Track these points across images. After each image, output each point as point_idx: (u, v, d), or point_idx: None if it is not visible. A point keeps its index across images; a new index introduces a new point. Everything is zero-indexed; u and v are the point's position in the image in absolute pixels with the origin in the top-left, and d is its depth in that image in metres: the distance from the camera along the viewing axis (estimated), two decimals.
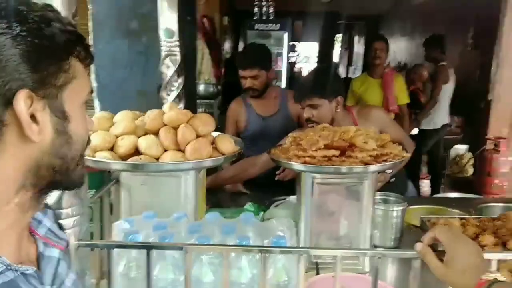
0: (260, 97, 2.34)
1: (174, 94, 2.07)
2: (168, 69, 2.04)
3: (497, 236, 1.42)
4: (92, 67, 2.21)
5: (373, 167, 1.31)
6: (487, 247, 1.38)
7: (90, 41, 2.19)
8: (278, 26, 5.28)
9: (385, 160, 1.35)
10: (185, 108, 2.78)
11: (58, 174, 0.58)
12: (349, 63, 10.91)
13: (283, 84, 5.77)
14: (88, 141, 0.63)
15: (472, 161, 5.67)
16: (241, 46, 5.70)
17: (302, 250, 0.96)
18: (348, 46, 11.19)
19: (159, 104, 2.14)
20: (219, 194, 2.28)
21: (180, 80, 2.07)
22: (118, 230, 1.05)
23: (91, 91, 0.54)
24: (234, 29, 5.87)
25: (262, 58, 2.36)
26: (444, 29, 6.57)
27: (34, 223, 0.64)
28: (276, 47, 5.34)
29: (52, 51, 0.53)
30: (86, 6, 2.15)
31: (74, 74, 0.56)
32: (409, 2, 7.69)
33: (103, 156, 1.21)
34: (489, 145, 5.19)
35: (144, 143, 1.25)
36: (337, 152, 1.33)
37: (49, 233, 0.66)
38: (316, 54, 10.10)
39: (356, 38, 10.76)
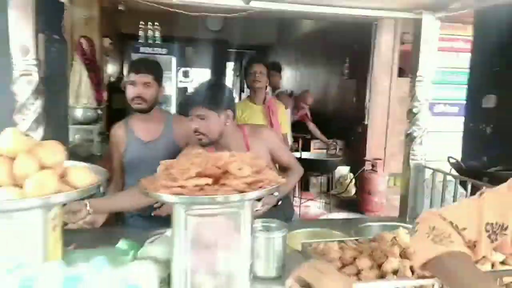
0: (145, 119, 2.18)
1: (30, 118, 1.81)
2: (23, 90, 1.78)
3: (373, 259, 1.42)
4: None
5: (249, 195, 1.22)
6: (364, 270, 1.37)
7: None
8: (164, 50, 5.14)
9: (261, 187, 1.28)
10: (54, 135, 2.48)
11: None
12: (241, 90, 11.18)
13: (173, 109, 5.61)
14: None
15: (353, 181, 6.09)
16: (125, 70, 5.44)
17: None
18: (239, 74, 11.48)
19: None
20: (86, 232, 2.01)
21: (38, 103, 1.82)
22: None
23: None
24: (118, 52, 5.58)
25: (156, 68, 2.22)
26: (325, 60, 7.09)
27: None
28: (164, 72, 5.18)
29: None
30: None
31: None
32: (292, 34, 8.18)
33: None
34: (368, 166, 5.64)
35: None
36: (209, 180, 1.22)
37: None
38: None
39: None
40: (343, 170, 6.10)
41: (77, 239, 1.73)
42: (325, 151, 5.65)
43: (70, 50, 3.35)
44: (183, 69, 7.05)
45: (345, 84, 6.31)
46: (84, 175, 1.16)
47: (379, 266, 1.41)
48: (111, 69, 5.32)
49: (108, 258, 1.42)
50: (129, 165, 2.21)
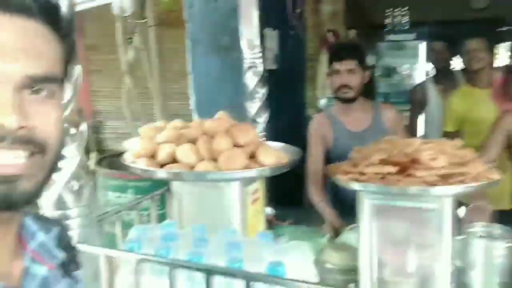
0: (351, 108, 2.10)
1: (256, 105, 2.05)
2: (251, 80, 2.03)
3: None
4: (188, 81, 2.33)
5: (438, 190, 1.03)
6: None
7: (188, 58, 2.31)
8: (412, 36, 4.82)
9: (462, 181, 1.05)
10: (290, 122, 2.72)
11: None
12: None
13: None
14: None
15: None
16: (371, 60, 5.41)
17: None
18: None
19: (246, 116, 2.14)
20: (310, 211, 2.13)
21: (263, 91, 2.03)
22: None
23: None
24: (367, 42, 5.61)
25: (359, 52, 2.11)
26: None
27: (25, 235, 0.58)
28: (412, 58, 4.90)
29: None
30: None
31: None
32: None
33: (140, 163, 1.22)
34: None
35: (180, 151, 1.22)
36: (393, 169, 1.09)
37: (40, 249, 0.58)
38: None
39: None
40: None
41: (291, 216, 1.89)
42: None
43: (308, 45, 3.57)
44: None
45: None
46: (271, 155, 1.23)
47: None
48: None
49: (301, 237, 1.49)
50: (337, 159, 2.15)
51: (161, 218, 1.36)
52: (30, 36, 0.47)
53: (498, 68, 2.50)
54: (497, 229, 1.34)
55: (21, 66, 0.46)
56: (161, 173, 1.20)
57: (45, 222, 0.60)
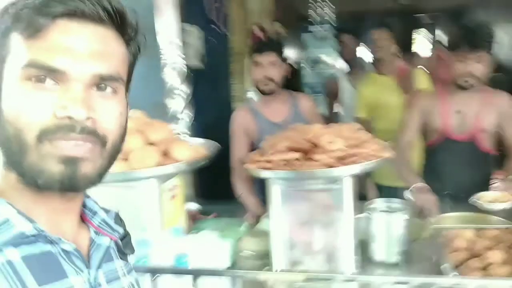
0: (270, 100, 2.11)
1: (176, 101, 2.07)
2: (169, 77, 2.05)
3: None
4: None
5: (335, 170, 1.13)
6: (494, 265, 1.10)
7: None
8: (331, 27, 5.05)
9: (354, 161, 1.16)
10: (217, 119, 2.74)
11: (6, 157, 0.55)
12: None
13: None
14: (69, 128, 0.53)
15: None
16: (297, 52, 5.58)
17: None
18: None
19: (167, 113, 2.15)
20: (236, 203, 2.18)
21: (183, 87, 2.06)
22: None
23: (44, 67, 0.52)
24: (292, 35, 5.77)
25: (279, 46, 2.15)
26: None
27: (88, 213, 0.65)
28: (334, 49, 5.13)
29: None
30: None
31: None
32: None
33: None
34: None
35: None
36: (296, 155, 1.17)
37: (103, 224, 0.66)
38: None
39: None
40: None
41: (218, 209, 1.93)
42: None
43: (234, 39, 3.62)
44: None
45: None
46: (184, 150, 1.27)
47: None
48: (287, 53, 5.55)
49: (222, 228, 1.54)
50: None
51: None
52: (99, 40, 0.55)
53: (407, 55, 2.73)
54: (396, 203, 1.48)
55: (91, 66, 0.54)
56: None
57: (101, 206, 0.68)
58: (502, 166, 1.97)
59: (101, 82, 0.55)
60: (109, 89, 0.56)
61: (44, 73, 0.52)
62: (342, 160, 1.15)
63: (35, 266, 0.52)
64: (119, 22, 0.57)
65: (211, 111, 2.65)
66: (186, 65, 2.12)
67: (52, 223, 0.57)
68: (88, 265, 0.59)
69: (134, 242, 0.94)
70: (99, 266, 0.60)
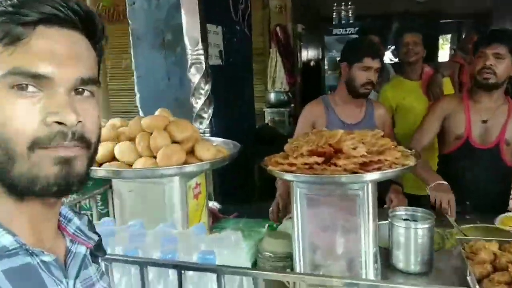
0: (348, 101, 2.01)
1: (201, 100, 2.10)
2: (195, 76, 2.07)
3: None
4: (134, 78, 2.34)
5: (356, 177, 1.13)
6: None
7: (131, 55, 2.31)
8: (356, 29, 5.00)
9: (379, 169, 1.16)
10: (239, 116, 2.76)
11: None
12: None
13: None
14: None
15: None
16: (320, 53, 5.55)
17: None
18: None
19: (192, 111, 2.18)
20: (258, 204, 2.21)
21: (207, 87, 2.08)
22: None
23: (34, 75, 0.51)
24: (314, 36, 5.75)
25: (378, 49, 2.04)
26: None
27: (63, 221, 0.65)
28: None
29: None
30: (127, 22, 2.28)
31: None
32: None
33: None
34: None
35: (118, 149, 1.25)
36: (319, 159, 1.18)
37: (78, 232, 0.66)
38: None
39: None
40: None
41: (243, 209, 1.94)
42: None
43: (257, 39, 3.64)
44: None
45: None
46: (206, 150, 1.28)
47: None
48: (304, 54, 5.53)
49: (242, 228, 1.56)
50: None
51: (105, 217, 1.39)
52: (76, 44, 0.55)
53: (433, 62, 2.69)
54: (420, 212, 1.47)
55: (74, 70, 0.54)
56: (100, 172, 1.23)
57: (75, 212, 0.68)
58: None
59: (80, 86, 0.55)
60: (86, 93, 0.56)
61: (27, 80, 0.51)
62: (365, 166, 1.15)
63: (16, 279, 0.51)
64: (88, 25, 0.57)
65: (233, 110, 2.67)
66: (210, 64, 2.14)
67: (33, 231, 0.57)
68: (66, 275, 0.58)
69: (162, 238, 0.97)
70: (76, 276, 0.60)
